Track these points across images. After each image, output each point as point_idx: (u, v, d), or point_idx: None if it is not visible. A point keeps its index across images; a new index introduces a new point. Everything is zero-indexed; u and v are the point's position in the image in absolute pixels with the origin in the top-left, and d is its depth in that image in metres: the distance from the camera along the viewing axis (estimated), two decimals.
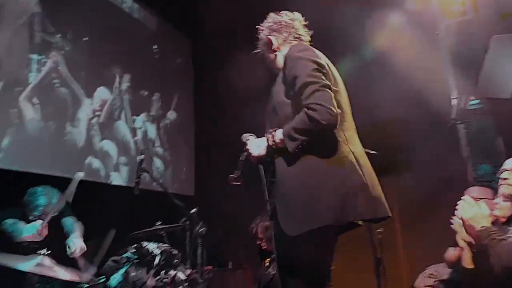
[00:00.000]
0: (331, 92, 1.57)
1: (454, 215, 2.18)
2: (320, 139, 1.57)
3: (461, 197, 1.95)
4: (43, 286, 2.26)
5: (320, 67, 1.63)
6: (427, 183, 3.74)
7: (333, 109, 1.52)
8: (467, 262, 1.85)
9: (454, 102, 3.34)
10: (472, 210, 1.87)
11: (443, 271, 3.03)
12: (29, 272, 1.86)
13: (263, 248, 3.30)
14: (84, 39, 4.08)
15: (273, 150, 1.64)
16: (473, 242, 1.88)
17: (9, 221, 2.56)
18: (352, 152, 1.62)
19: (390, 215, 1.65)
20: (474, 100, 3.25)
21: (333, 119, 1.53)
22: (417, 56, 3.62)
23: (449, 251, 2.70)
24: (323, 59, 1.73)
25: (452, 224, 2.21)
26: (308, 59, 1.64)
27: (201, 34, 5.41)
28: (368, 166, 1.67)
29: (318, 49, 1.78)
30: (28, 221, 2.67)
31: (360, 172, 1.58)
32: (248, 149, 1.73)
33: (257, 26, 1.98)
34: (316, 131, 1.54)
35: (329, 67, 1.73)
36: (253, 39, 1.94)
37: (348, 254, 3.92)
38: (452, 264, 2.72)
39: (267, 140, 1.65)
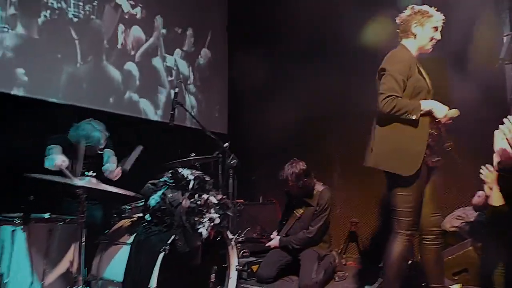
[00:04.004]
0: None
1: (486, 164, 2.24)
2: None
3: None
4: (90, 201, 2.46)
5: None
6: (465, 125, 3.59)
7: None
8: (496, 200, 1.86)
9: (505, 40, 3.09)
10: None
11: (470, 214, 3.08)
12: (79, 186, 2.02)
13: (291, 192, 3.35)
14: None
15: None
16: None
17: (50, 146, 2.74)
18: None
19: (366, 165, 2.30)
20: None
21: None
22: None
23: (477, 196, 2.77)
24: None
25: (481, 174, 2.25)
26: None
27: None
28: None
29: None
30: (70, 148, 2.83)
31: None
32: None
33: None
34: None
35: None
36: None
37: (376, 193, 3.98)
38: (478, 208, 2.81)
39: None
